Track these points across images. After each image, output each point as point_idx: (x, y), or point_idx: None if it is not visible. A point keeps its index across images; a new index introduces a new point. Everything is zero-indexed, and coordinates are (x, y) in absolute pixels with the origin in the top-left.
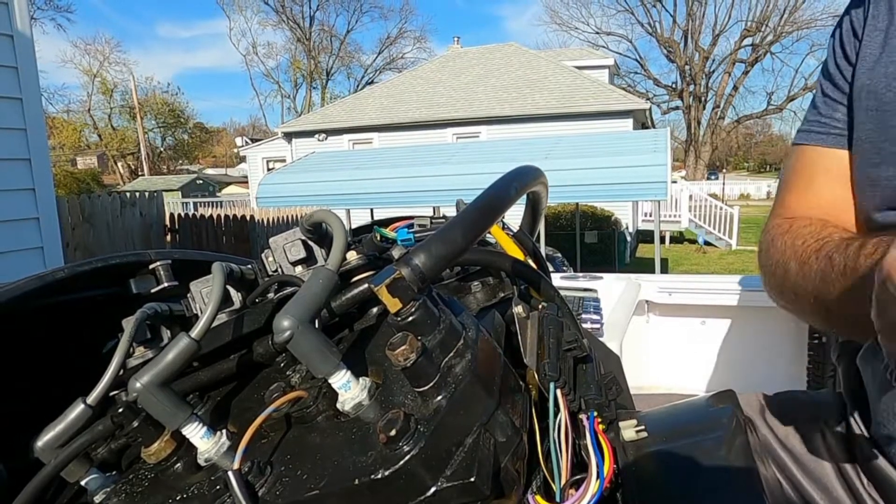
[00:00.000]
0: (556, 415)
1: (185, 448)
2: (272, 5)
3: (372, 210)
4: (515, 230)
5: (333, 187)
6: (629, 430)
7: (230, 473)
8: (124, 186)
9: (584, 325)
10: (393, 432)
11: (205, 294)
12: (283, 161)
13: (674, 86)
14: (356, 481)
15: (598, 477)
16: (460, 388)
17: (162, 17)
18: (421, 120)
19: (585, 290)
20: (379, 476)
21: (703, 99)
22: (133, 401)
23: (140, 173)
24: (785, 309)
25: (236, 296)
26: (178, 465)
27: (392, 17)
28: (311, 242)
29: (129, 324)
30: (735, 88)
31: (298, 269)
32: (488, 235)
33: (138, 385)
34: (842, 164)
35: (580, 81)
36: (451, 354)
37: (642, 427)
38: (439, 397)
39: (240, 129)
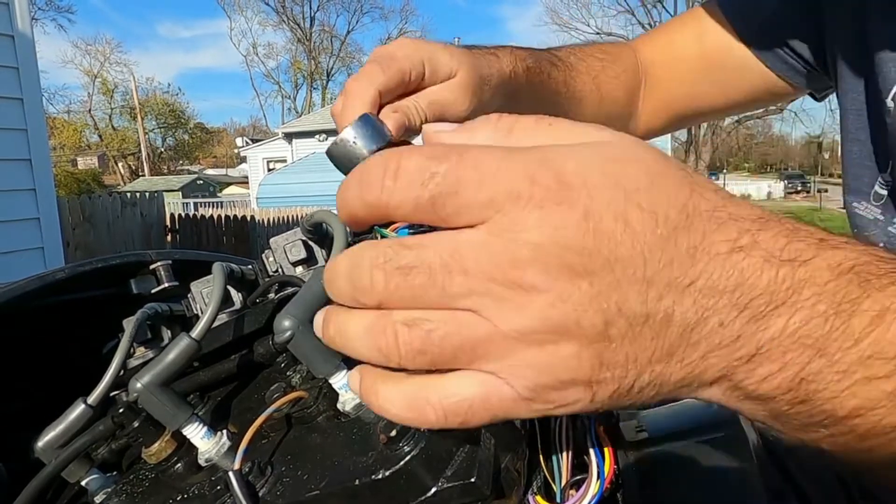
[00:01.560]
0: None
1: (185, 448)
2: (273, 6)
3: None
4: None
5: (334, 188)
6: (630, 431)
7: (231, 474)
8: (125, 187)
9: None
10: (393, 433)
11: (205, 294)
12: (284, 161)
13: None
14: (357, 481)
15: (598, 477)
16: None
17: (163, 16)
18: None
19: None
20: (379, 476)
21: None
22: (134, 401)
23: (140, 173)
24: None
25: (237, 296)
26: (179, 465)
27: (393, 18)
28: (311, 243)
29: (129, 324)
30: None
31: (299, 269)
32: None
33: (139, 385)
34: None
35: None
36: None
37: (643, 427)
38: None
39: (240, 129)
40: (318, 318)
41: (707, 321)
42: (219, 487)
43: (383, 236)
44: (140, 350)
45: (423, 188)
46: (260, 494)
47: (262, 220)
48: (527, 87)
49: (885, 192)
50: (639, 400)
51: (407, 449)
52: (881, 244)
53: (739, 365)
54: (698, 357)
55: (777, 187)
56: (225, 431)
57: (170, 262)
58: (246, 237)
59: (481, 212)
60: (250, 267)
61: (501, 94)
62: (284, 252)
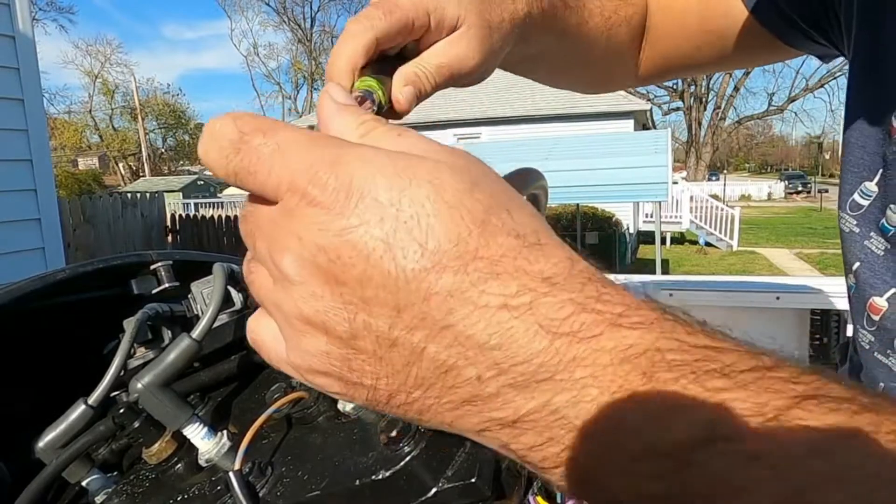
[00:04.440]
0: None
1: (185, 449)
2: (273, 6)
3: None
4: None
5: None
6: None
7: (231, 474)
8: (125, 187)
9: None
10: (394, 433)
11: (206, 295)
12: None
13: (674, 87)
14: (357, 482)
15: None
16: None
17: (168, 17)
18: (422, 121)
19: None
20: (380, 477)
21: (703, 100)
22: (134, 401)
23: (141, 174)
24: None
25: (237, 296)
26: (179, 465)
27: None
28: None
29: (130, 324)
30: (736, 89)
31: None
32: None
33: (140, 385)
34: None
35: None
36: None
37: None
38: None
39: None
40: None
41: (464, 369)
42: (219, 488)
43: None
44: (141, 350)
45: (226, 162)
46: (260, 495)
47: None
48: (540, 30)
49: (864, 203)
50: (406, 415)
51: (407, 449)
52: (857, 263)
53: (501, 427)
54: (458, 400)
55: (777, 187)
56: (225, 432)
57: (170, 262)
58: None
59: (275, 192)
60: None
61: (512, 39)
62: None
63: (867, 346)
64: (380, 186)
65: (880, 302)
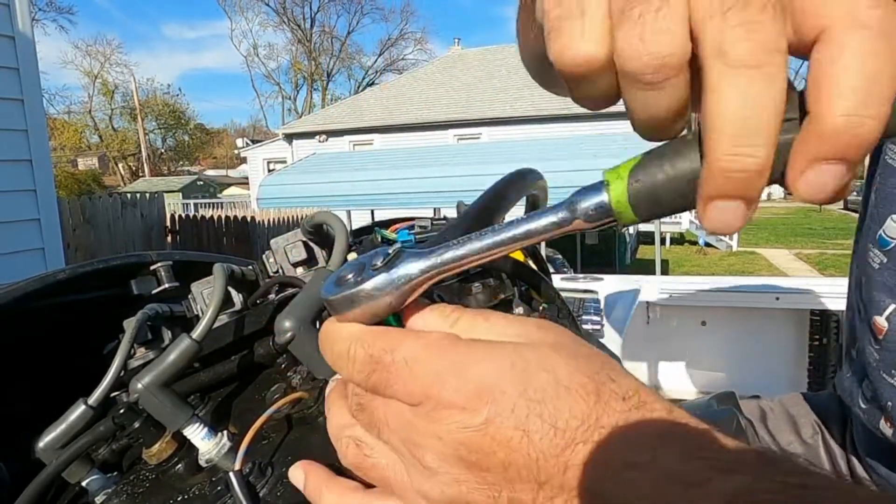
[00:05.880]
0: None
1: (186, 449)
2: (273, 6)
3: (372, 211)
4: None
5: (334, 188)
6: None
7: (231, 474)
8: (125, 187)
9: (585, 327)
10: None
11: (206, 295)
12: (284, 162)
13: None
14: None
15: None
16: None
17: (169, 17)
18: (422, 121)
19: (586, 291)
20: None
21: None
22: (134, 402)
23: (141, 174)
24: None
25: (237, 297)
26: (180, 465)
27: (393, 19)
28: (311, 244)
29: (130, 325)
30: None
31: (299, 270)
32: None
33: (140, 386)
34: None
35: None
36: None
37: None
38: None
39: (240, 130)
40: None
41: None
42: (219, 488)
43: (384, 237)
44: (141, 351)
45: (366, 379)
46: (261, 495)
47: (263, 221)
48: None
49: (864, 212)
50: None
51: None
52: (863, 278)
53: None
54: None
55: (777, 187)
56: (225, 432)
57: (170, 262)
58: (246, 238)
59: (409, 399)
60: (251, 268)
61: None
62: (285, 253)
63: (874, 364)
64: (504, 381)
65: (881, 321)
